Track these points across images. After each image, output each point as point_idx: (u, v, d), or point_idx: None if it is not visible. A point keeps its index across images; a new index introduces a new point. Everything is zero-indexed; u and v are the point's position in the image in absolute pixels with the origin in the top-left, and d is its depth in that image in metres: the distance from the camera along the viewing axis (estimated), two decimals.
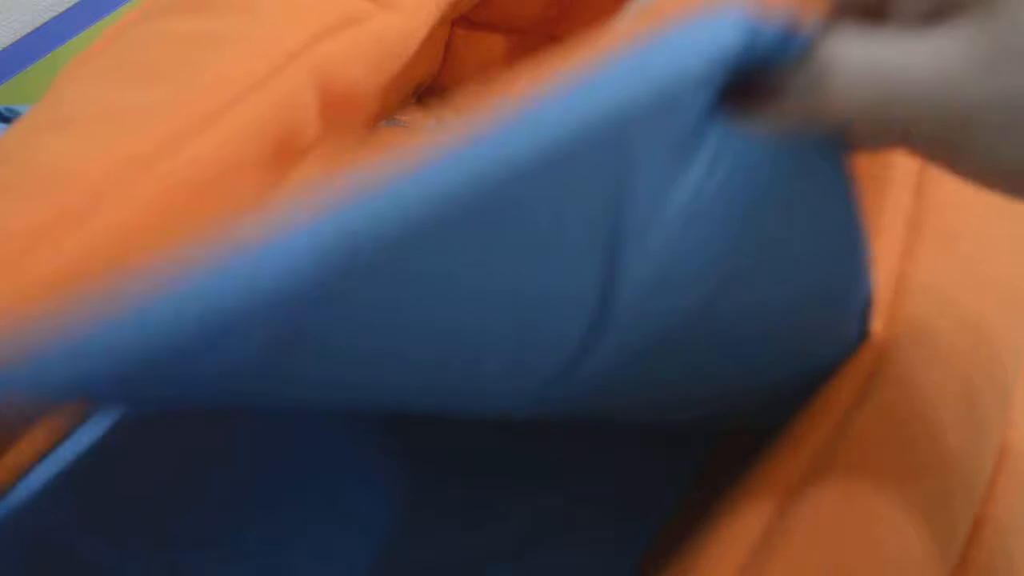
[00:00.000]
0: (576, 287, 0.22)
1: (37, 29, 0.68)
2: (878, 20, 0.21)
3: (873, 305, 0.26)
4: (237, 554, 0.33)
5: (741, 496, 0.23)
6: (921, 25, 0.20)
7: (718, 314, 0.24)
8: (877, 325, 0.26)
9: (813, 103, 0.20)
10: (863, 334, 0.26)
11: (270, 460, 0.35)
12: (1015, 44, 0.18)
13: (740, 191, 0.22)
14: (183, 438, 0.35)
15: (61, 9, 0.70)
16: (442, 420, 0.34)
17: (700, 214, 0.22)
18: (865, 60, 0.19)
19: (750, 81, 0.20)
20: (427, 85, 0.49)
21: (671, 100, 0.19)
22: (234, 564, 0.32)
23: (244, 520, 0.33)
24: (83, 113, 0.28)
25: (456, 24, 0.48)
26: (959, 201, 0.29)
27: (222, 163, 0.28)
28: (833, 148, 0.23)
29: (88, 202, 0.26)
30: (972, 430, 0.24)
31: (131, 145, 0.27)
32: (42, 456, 0.35)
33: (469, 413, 0.28)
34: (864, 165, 0.26)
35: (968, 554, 0.23)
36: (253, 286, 0.17)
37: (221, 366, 0.19)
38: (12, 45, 0.67)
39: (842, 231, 0.24)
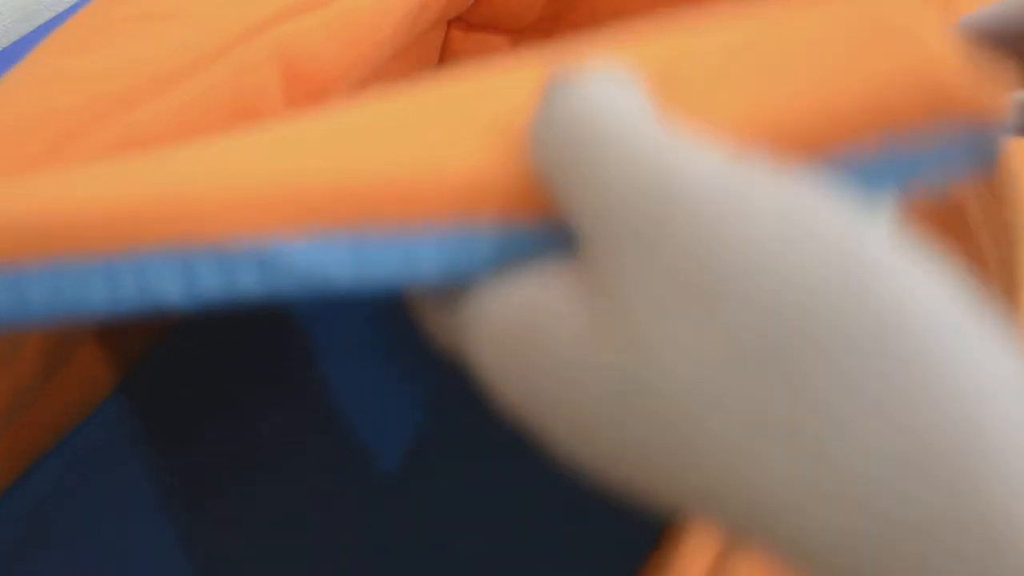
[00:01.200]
0: None
1: (36, 29, 0.68)
2: None
3: None
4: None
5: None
6: None
7: None
8: None
9: None
10: None
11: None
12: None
13: None
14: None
15: (60, 9, 0.70)
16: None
17: None
18: None
19: None
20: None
21: None
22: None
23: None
24: (25, 81, 0.27)
25: (453, 24, 0.48)
26: None
27: (168, 131, 0.28)
28: None
29: (24, 167, 0.25)
30: None
31: (68, 110, 0.26)
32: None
33: None
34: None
35: None
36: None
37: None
38: (11, 45, 0.67)
39: None
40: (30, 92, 0.27)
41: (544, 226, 0.16)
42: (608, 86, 0.16)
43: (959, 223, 0.30)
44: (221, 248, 0.17)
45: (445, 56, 0.49)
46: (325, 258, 0.17)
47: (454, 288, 0.17)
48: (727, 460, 0.13)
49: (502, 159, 0.17)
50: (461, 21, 0.48)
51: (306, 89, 0.32)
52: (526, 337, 0.15)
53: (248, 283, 0.17)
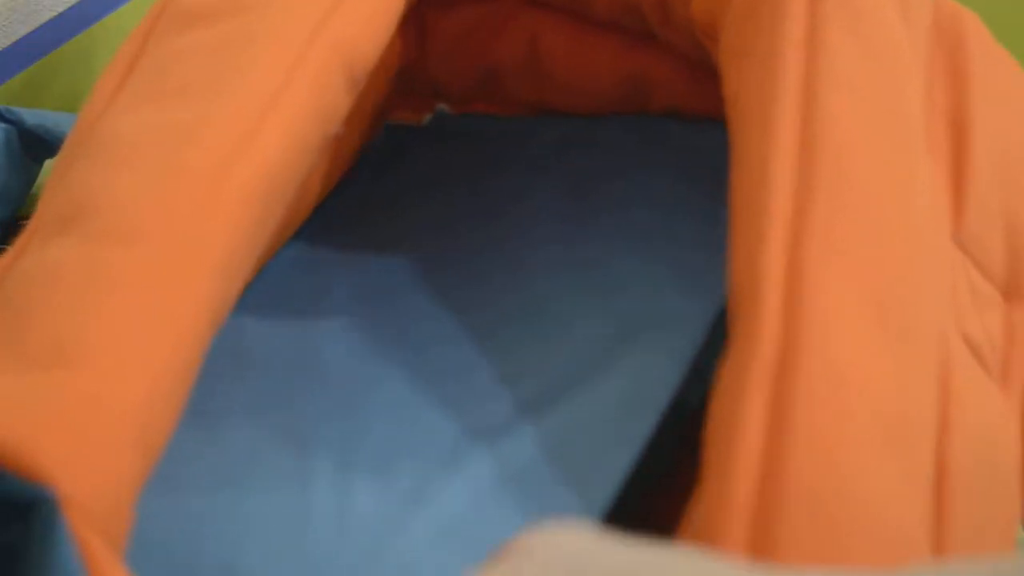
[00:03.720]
0: None
1: (36, 29, 0.68)
2: None
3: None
4: None
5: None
6: None
7: None
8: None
9: None
10: None
11: None
12: None
13: None
14: None
15: (60, 9, 0.70)
16: None
17: None
18: None
19: None
20: (409, 74, 0.49)
21: None
22: None
23: None
24: (135, 140, 0.28)
25: (425, 3, 0.48)
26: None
27: (276, 170, 0.29)
28: None
29: (166, 228, 0.26)
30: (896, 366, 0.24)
31: (193, 163, 0.27)
32: None
33: None
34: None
35: (940, 506, 0.23)
36: None
37: None
38: (11, 45, 0.67)
39: None
40: (141, 157, 0.28)
41: None
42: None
43: None
44: None
45: (425, 38, 0.49)
46: None
47: None
48: None
49: None
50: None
51: (356, 86, 0.32)
52: None
53: None
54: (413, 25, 0.47)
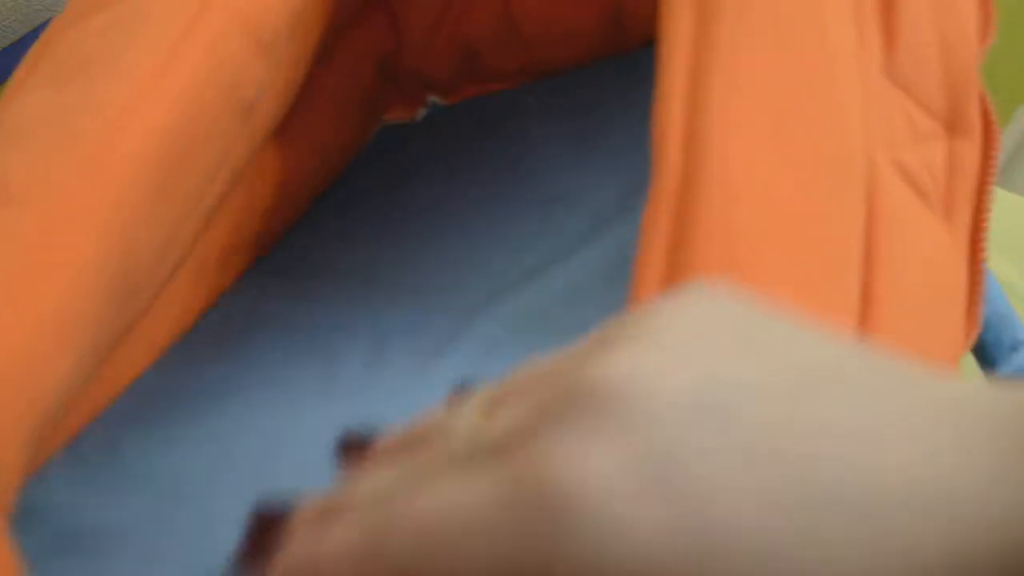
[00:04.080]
0: None
1: (35, 30, 0.68)
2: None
3: None
4: None
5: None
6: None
7: None
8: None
9: None
10: None
11: None
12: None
13: None
14: None
15: (60, 10, 0.70)
16: None
17: None
18: None
19: None
20: (393, 68, 0.48)
21: None
22: None
23: None
24: (28, 119, 0.29)
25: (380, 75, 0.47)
26: None
27: (179, 127, 0.29)
28: None
29: (46, 192, 0.27)
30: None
31: (77, 131, 0.28)
32: None
33: None
34: None
35: (864, 330, 0.23)
36: None
37: None
38: (10, 47, 0.67)
39: None
40: (35, 127, 0.28)
41: None
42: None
43: None
44: None
45: (397, 26, 0.48)
46: None
47: None
48: None
49: None
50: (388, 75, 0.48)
51: (266, 47, 0.32)
52: None
53: None
54: (382, 12, 0.46)
